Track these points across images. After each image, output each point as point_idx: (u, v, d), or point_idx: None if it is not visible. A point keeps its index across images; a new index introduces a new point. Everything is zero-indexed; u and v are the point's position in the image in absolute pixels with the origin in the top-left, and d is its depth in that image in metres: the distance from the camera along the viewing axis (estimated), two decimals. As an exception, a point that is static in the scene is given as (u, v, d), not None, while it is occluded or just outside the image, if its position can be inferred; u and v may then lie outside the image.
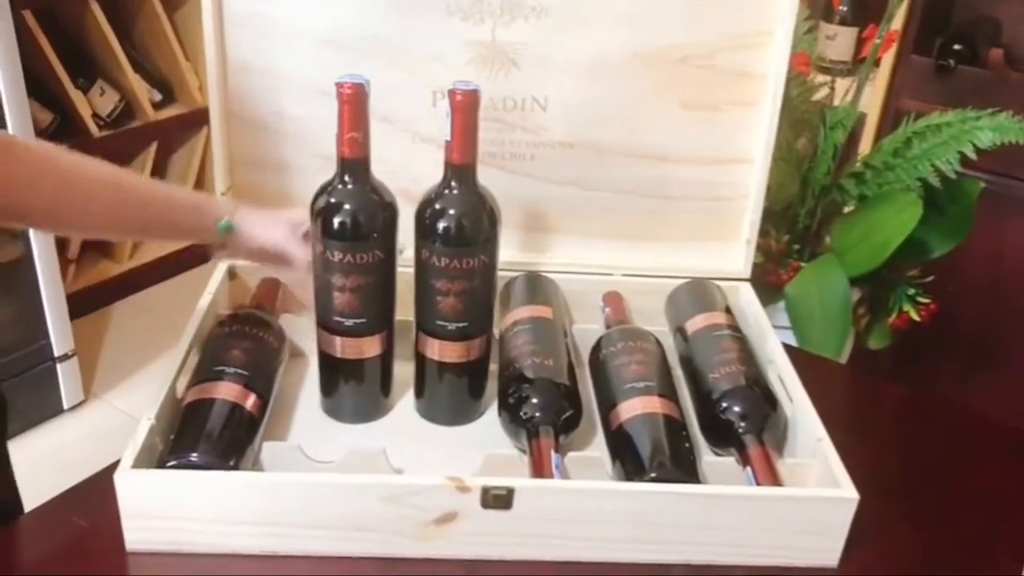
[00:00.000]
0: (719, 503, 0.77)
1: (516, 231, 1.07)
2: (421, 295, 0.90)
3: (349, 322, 0.88)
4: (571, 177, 1.06)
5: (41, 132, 2.07)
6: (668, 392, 0.88)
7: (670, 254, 1.09)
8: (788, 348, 0.96)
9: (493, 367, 0.94)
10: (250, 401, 0.84)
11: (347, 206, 0.84)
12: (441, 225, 0.86)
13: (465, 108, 0.82)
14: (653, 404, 0.85)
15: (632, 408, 0.85)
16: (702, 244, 1.09)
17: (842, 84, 1.47)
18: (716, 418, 0.88)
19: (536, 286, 1.03)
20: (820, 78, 1.52)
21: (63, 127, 2.17)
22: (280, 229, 0.88)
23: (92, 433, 2.04)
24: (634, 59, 1.01)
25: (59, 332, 1.96)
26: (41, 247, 1.86)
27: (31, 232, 1.83)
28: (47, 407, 2.01)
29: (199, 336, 0.93)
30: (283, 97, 1.02)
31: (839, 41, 1.89)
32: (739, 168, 1.06)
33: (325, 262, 0.86)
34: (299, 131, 1.03)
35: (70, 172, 0.80)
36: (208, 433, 0.78)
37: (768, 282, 1.43)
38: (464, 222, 0.86)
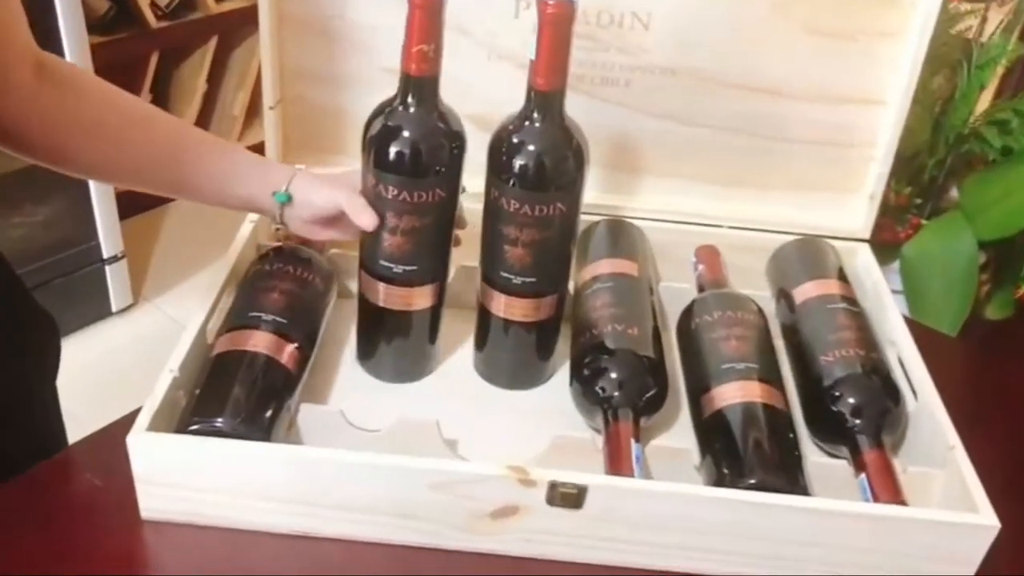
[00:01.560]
0: (830, 520, 0.64)
1: (601, 168, 0.93)
2: (487, 241, 0.77)
3: (398, 268, 0.76)
4: (670, 109, 0.91)
5: (96, 21, 1.96)
6: (772, 376, 0.75)
7: (778, 205, 0.94)
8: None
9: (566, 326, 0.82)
10: (287, 354, 0.73)
11: (407, 133, 0.72)
12: (517, 163, 0.73)
13: (557, 23, 0.68)
14: (754, 391, 0.72)
15: (729, 394, 0.72)
16: (817, 196, 0.94)
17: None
18: (826, 410, 0.75)
19: (619, 235, 0.90)
20: (964, 6, 1.31)
21: (119, 17, 2.06)
22: (342, 190, 0.75)
23: (141, 338, 1.99)
24: (757, -28, 0.85)
25: (108, 233, 1.89)
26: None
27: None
28: (95, 310, 1.96)
29: (236, 272, 0.82)
30: (344, -1, 0.88)
31: (973, -40, 1.66)
32: (869, 110, 0.90)
33: (376, 197, 0.73)
34: (362, 40, 0.90)
35: (105, 96, 0.70)
36: (237, 394, 0.68)
37: (882, 239, 1.26)
38: (545, 161, 0.73)
